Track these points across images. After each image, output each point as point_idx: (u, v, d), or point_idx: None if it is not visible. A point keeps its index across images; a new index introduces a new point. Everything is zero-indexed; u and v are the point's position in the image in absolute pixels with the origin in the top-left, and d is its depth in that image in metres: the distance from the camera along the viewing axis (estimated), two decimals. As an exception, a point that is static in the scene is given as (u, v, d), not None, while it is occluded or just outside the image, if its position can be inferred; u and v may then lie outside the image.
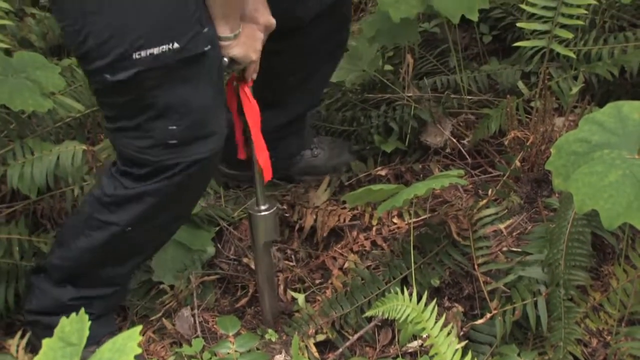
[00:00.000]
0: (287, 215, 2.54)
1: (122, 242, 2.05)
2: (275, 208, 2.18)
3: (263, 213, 2.17)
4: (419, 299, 1.79)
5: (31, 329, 2.18)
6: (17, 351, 2.13)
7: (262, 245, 2.21)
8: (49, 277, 2.13)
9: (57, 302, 2.12)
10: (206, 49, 1.81)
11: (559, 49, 2.36)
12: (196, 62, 1.81)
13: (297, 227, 2.52)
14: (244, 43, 1.95)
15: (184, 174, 1.91)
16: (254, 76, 2.05)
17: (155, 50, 1.74)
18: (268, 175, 2.11)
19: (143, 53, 1.73)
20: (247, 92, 2.06)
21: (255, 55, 1.99)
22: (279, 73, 2.33)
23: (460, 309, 2.14)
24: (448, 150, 2.59)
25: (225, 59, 1.92)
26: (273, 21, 2.03)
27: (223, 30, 1.89)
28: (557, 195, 2.27)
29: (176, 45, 1.75)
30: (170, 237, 2.20)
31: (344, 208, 2.48)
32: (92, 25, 1.74)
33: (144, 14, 1.75)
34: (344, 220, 2.46)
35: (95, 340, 2.06)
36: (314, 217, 2.50)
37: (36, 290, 2.16)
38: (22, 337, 2.16)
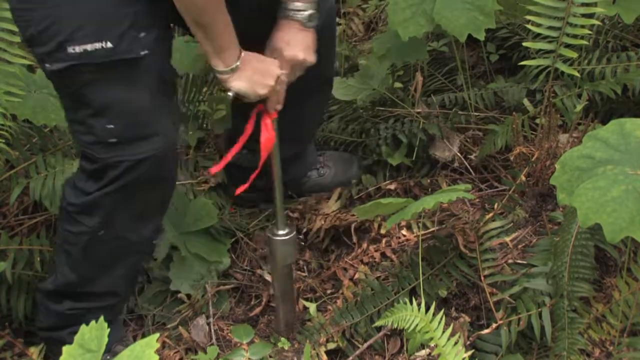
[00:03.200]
0: (298, 223, 2.57)
1: (100, 247, 2.07)
2: (294, 233, 2.20)
3: (282, 238, 2.19)
4: (427, 309, 1.80)
5: (46, 345, 2.22)
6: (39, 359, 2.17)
7: (280, 268, 2.24)
8: (50, 295, 2.17)
9: (60, 316, 2.17)
10: (142, 53, 1.84)
11: (564, 68, 2.37)
12: (131, 65, 1.84)
13: (304, 230, 2.56)
14: (249, 77, 1.97)
15: (132, 173, 1.93)
16: (278, 107, 2.07)
17: (89, 47, 1.79)
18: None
19: (77, 48, 1.79)
20: (267, 122, 2.07)
21: (263, 90, 1.99)
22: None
23: (467, 319, 2.16)
24: (456, 165, 2.60)
25: (229, 93, 1.97)
26: (301, 57, 2.05)
27: (216, 64, 1.93)
28: (561, 209, 2.27)
29: (109, 44, 1.80)
30: (153, 238, 2.21)
31: (353, 215, 2.50)
32: (32, 12, 1.81)
33: (79, 10, 1.80)
34: (352, 223, 2.49)
35: (106, 348, 2.10)
36: (323, 222, 2.53)
37: (41, 308, 2.21)
38: (44, 347, 2.22)
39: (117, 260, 2.14)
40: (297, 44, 2.05)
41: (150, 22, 1.86)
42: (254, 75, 1.97)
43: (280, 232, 2.19)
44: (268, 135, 2.07)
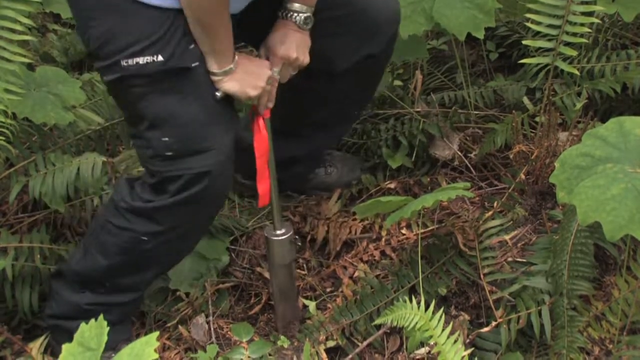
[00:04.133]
0: (299, 226, 2.57)
1: (138, 251, 2.09)
2: (291, 233, 2.21)
3: (279, 238, 2.20)
4: (427, 307, 1.80)
5: (51, 333, 2.21)
6: (39, 355, 2.17)
7: (278, 267, 2.24)
8: (68, 282, 2.17)
9: (75, 307, 2.16)
10: (193, 65, 1.87)
11: (563, 66, 2.38)
12: (181, 75, 1.87)
13: (309, 237, 2.55)
14: (240, 79, 1.97)
15: (191, 189, 1.95)
16: (269, 105, 2.08)
17: (141, 60, 1.83)
18: (262, 202, 2.15)
19: (130, 61, 1.83)
20: (259, 123, 2.08)
21: (254, 91, 2.00)
22: (301, 109, 2.36)
23: (467, 317, 2.16)
24: (455, 163, 2.61)
25: (217, 93, 1.97)
26: (294, 56, 2.06)
27: (210, 66, 1.94)
28: (561, 207, 2.28)
29: (160, 58, 1.83)
30: (189, 251, 2.24)
31: (355, 219, 2.51)
32: (91, 29, 1.86)
33: (131, 27, 1.83)
34: (355, 232, 2.48)
35: (112, 347, 2.09)
36: (326, 228, 2.53)
37: (56, 295, 2.20)
38: (43, 342, 2.21)
39: (147, 267, 2.16)
40: (291, 43, 2.06)
41: None
42: (246, 77, 1.99)
43: (278, 232, 2.20)
44: (260, 136, 2.08)
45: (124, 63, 1.83)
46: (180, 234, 2.10)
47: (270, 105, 2.10)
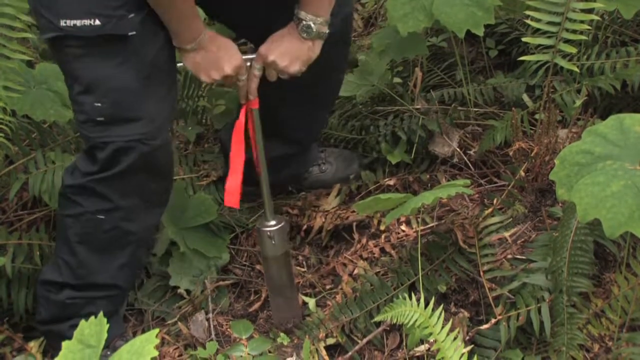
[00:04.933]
0: (297, 220, 2.58)
1: (100, 233, 2.10)
2: (283, 223, 2.22)
3: (270, 228, 2.21)
4: (426, 304, 1.80)
5: (46, 339, 2.23)
6: (38, 354, 2.17)
7: (270, 260, 2.25)
8: (49, 285, 2.19)
9: (60, 307, 2.18)
10: (130, 33, 1.89)
11: (563, 63, 2.38)
12: (117, 43, 1.89)
13: (304, 227, 2.57)
14: (199, 61, 2.03)
15: (122, 160, 1.98)
16: (250, 97, 2.12)
17: (78, 22, 1.86)
18: (228, 200, 2.16)
19: (68, 22, 1.87)
20: (242, 111, 2.12)
21: (208, 77, 2.06)
22: (271, 106, 2.33)
23: (466, 314, 2.16)
24: (455, 160, 2.61)
25: (179, 64, 2.04)
26: (271, 58, 2.08)
27: (173, 40, 2.00)
28: (560, 204, 2.28)
29: (97, 22, 1.86)
30: (152, 227, 2.25)
31: (353, 211, 2.51)
32: None
33: None
34: (353, 222, 2.49)
35: (106, 344, 2.10)
36: (323, 220, 2.54)
37: (41, 300, 2.21)
38: (42, 341, 2.23)
39: (116, 249, 2.16)
40: (278, 46, 2.09)
41: (142, 4, 1.90)
42: (203, 62, 2.03)
43: (269, 224, 2.21)
44: (237, 122, 2.12)
45: (62, 23, 1.87)
46: (134, 208, 2.11)
47: (251, 97, 2.12)
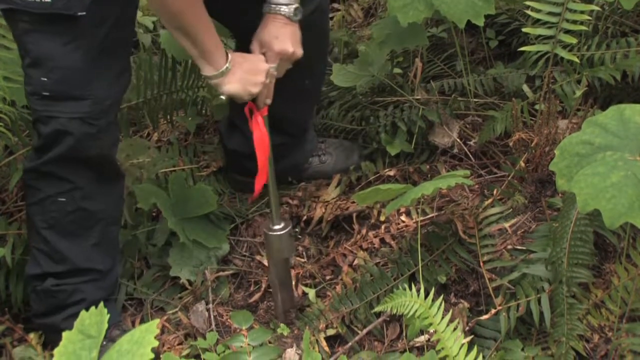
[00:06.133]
0: (297, 210, 2.58)
1: (64, 216, 2.12)
2: (289, 228, 2.22)
3: (277, 233, 2.21)
4: (426, 295, 1.81)
5: (43, 332, 2.24)
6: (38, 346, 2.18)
7: (276, 261, 2.25)
8: (33, 279, 2.20)
9: (48, 296, 2.19)
10: (80, 14, 1.89)
11: (563, 54, 2.37)
12: (67, 22, 1.89)
13: (304, 218, 2.57)
14: (240, 78, 2.01)
15: (65, 138, 1.99)
16: (267, 101, 2.10)
17: None
18: (255, 195, 2.18)
19: None
20: (259, 120, 2.09)
21: (255, 88, 2.03)
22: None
23: (466, 305, 2.17)
24: (455, 151, 2.61)
25: (222, 96, 2.02)
26: (290, 50, 2.08)
27: (205, 70, 1.98)
28: (560, 195, 2.28)
29: (47, 0, 1.86)
30: (115, 208, 2.25)
31: (354, 202, 2.51)
32: None
33: None
34: (353, 213, 2.50)
35: (103, 333, 2.12)
36: (323, 210, 2.54)
37: (31, 295, 2.23)
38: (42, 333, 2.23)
39: (84, 229, 2.17)
40: (285, 37, 2.08)
41: None
42: (245, 75, 2.02)
43: (276, 227, 2.21)
44: (260, 133, 2.09)
45: None
46: (91, 186, 2.13)
47: (269, 101, 2.11)
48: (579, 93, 2.34)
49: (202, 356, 2.10)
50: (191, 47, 1.95)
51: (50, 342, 2.21)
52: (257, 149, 2.09)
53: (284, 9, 2.07)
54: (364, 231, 2.46)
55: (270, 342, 2.15)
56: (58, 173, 2.07)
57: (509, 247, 2.20)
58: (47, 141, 2.02)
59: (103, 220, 2.20)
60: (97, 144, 2.06)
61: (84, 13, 1.89)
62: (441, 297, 1.81)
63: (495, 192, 2.31)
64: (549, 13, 2.37)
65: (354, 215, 2.51)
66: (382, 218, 2.46)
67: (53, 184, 2.09)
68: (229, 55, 2.00)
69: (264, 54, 2.09)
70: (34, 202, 2.13)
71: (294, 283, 2.39)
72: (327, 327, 2.22)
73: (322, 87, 2.68)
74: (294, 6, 2.07)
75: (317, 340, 2.19)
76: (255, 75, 2.03)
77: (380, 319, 2.20)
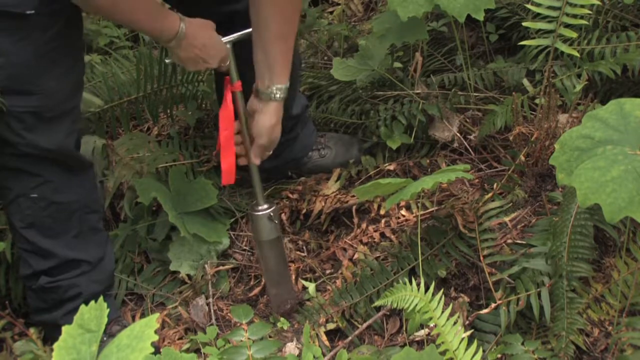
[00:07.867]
0: (297, 204, 2.58)
1: (39, 212, 2.13)
2: (273, 207, 2.23)
3: (261, 212, 2.22)
4: (426, 289, 1.81)
5: (44, 329, 2.24)
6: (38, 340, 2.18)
7: (264, 243, 2.26)
8: (27, 279, 2.22)
9: (45, 293, 2.20)
10: (29, 12, 1.89)
11: (563, 48, 2.37)
12: (16, 19, 1.89)
13: (304, 212, 2.57)
14: (183, 59, 2.06)
15: (22, 131, 2.00)
16: (233, 76, 2.13)
17: None
18: (226, 179, 2.17)
19: None
20: (227, 96, 2.12)
21: (193, 68, 2.11)
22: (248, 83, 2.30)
23: (466, 299, 2.17)
24: (455, 145, 2.61)
25: (167, 60, 2.10)
26: (279, 135, 2.17)
27: (155, 40, 2.04)
28: (560, 189, 2.28)
29: None
30: (87, 197, 2.24)
31: (353, 196, 2.51)
32: None
33: None
34: (353, 207, 2.50)
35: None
36: (323, 204, 2.54)
37: (28, 293, 2.25)
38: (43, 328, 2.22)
39: (62, 222, 2.18)
40: (278, 123, 2.17)
41: None
42: (189, 58, 2.06)
43: (260, 207, 2.22)
44: (227, 109, 2.12)
45: None
46: (60, 178, 2.14)
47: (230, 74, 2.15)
48: (579, 87, 2.33)
49: (202, 350, 2.11)
50: (132, 23, 1.99)
51: (50, 338, 2.21)
52: (221, 123, 2.12)
53: (279, 95, 2.14)
54: (364, 225, 2.46)
55: (270, 336, 2.16)
56: (25, 168, 2.08)
57: (509, 241, 2.20)
58: (4, 131, 2.03)
59: (78, 210, 2.21)
60: (51, 136, 2.07)
61: (34, 11, 1.89)
62: (441, 291, 1.82)
63: (495, 186, 2.31)
64: (549, 7, 2.37)
65: (354, 209, 2.51)
66: (382, 212, 2.46)
67: (23, 181, 2.10)
68: (182, 30, 2.01)
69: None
70: (9, 202, 2.14)
71: (294, 277, 2.39)
72: (327, 321, 2.23)
73: (300, 71, 2.66)
74: (284, 92, 2.14)
75: (317, 334, 2.20)
76: (202, 59, 2.07)
77: (380, 313, 2.20)
